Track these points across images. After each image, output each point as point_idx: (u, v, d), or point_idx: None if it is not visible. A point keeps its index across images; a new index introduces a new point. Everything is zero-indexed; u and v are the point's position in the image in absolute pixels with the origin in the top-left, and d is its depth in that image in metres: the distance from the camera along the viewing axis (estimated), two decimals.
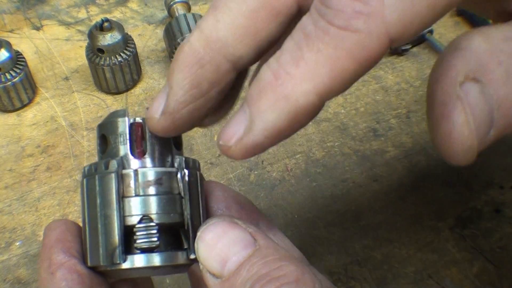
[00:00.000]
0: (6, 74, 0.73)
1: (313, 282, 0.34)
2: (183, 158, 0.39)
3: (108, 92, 0.79)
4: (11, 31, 0.87)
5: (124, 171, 0.38)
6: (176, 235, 0.39)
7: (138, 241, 0.37)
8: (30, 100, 0.77)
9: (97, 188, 0.38)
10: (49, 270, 0.38)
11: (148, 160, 0.38)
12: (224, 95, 0.39)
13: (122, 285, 0.44)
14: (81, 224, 0.41)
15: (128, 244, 0.37)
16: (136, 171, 0.38)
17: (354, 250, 0.65)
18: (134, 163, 0.38)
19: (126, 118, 0.39)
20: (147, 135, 0.39)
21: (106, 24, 0.74)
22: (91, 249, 0.38)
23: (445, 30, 0.88)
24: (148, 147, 0.39)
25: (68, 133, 0.74)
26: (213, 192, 0.42)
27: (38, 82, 0.80)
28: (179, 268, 0.41)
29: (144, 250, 0.37)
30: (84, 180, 0.39)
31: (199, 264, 0.37)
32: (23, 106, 0.77)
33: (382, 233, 0.66)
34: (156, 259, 0.38)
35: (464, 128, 0.29)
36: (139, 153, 0.38)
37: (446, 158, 0.31)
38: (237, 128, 0.34)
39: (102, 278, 0.40)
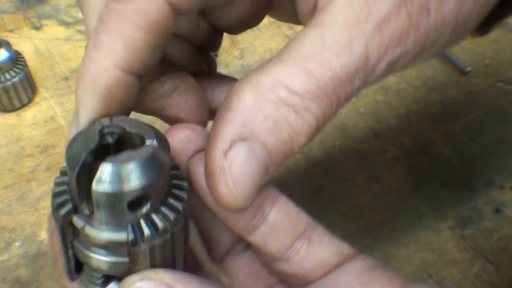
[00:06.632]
0: (6, 74, 0.73)
1: None
2: (143, 222, 0.33)
3: None
4: (11, 31, 0.87)
5: (75, 219, 0.34)
6: None
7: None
8: (30, 100, 0.77)
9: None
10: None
11: (98, 220, 0.33)
12: None
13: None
14: None
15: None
16: (83, 227, 0.33)
17: None
18: (85, 215, 0.33)
19: (77, 168, 0.32)
20: (94, 194, 0.32)
21: None
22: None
23: None
24: (101, 206, 0.32)
25: (67, 133, 0.74)
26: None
27: (37, 82, 0.80)
28: None
29: None
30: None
31: None
32: (23, 106, 0.76)
33: (382, 233, 0.66)
34: None
35: (229, 197, 0.32)
36: (84, 209, 0.33)
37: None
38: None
39: None
